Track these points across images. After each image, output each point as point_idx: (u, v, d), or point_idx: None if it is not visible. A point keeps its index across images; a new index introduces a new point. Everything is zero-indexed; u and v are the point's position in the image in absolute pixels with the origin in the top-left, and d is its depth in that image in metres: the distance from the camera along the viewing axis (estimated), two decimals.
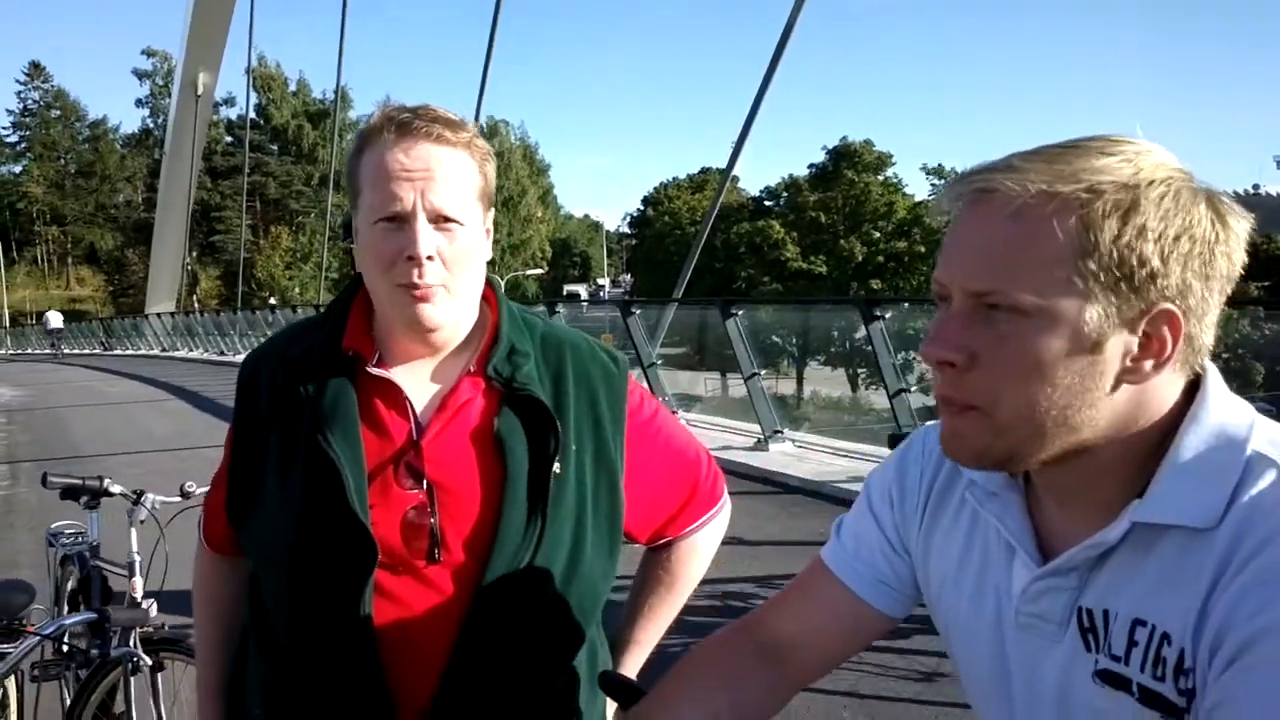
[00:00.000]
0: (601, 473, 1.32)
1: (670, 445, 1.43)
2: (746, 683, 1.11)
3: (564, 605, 1.29)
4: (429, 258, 1.21)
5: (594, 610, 1.36)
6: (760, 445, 9.29)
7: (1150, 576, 0.81)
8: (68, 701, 3.13)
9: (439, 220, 1.22)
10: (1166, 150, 0.81)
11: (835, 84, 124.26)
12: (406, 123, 1.22)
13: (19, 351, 47.26)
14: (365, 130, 1.26)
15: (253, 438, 1.34)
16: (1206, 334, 0.82)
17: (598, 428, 1.33)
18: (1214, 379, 0.84)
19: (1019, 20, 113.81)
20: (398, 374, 1.29)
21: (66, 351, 38.04)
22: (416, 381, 1.30)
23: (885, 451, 8.78)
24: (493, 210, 1.32)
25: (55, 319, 38.86)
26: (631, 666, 1.48)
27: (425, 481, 1.25)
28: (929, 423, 1.08)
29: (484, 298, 1.36)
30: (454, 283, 1.24)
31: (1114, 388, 0.80)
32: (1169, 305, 0.78)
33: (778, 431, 9.39)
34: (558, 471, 1.26)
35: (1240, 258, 0.81)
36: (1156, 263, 0.77)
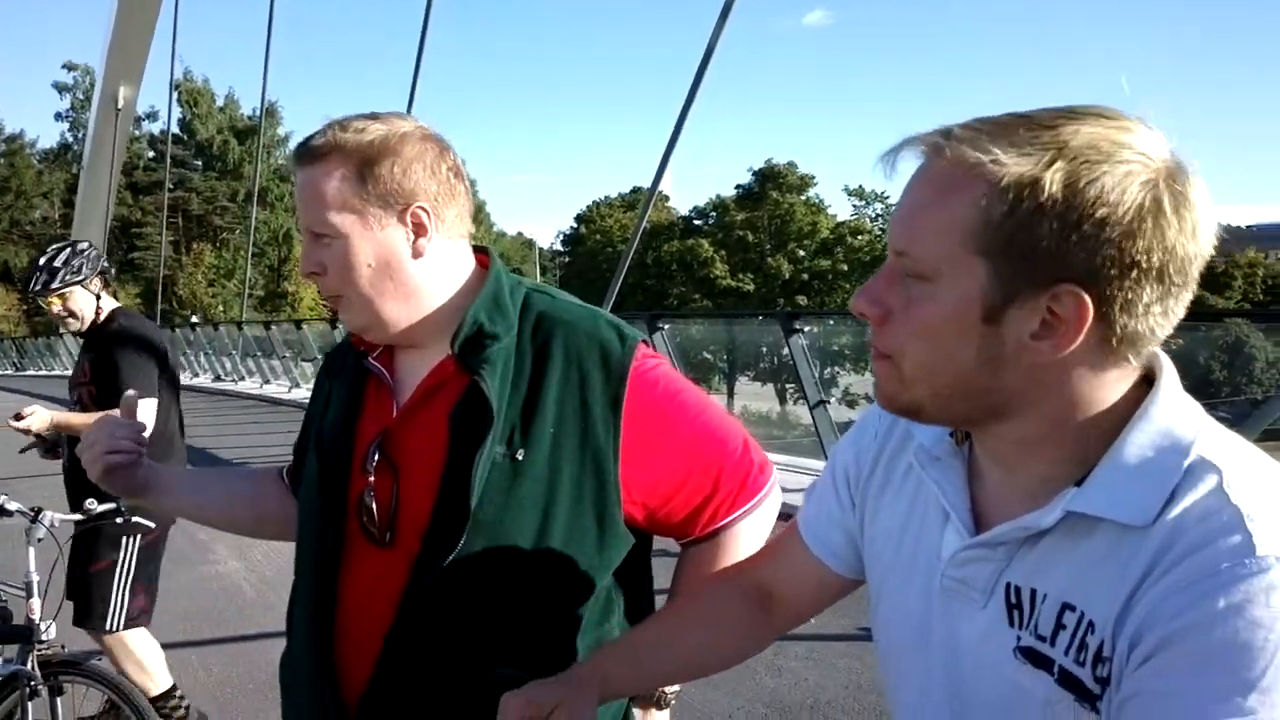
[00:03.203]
0: (585, 457, 1.27)
1: (687, 428, 1.32)
2: (736, 623, 1.19)
3: (527, 594, 1.26)
4: (312, 273, 1.30)
5: (570, 598, 1.29)
6: None
7: (1081, 564, 0.81)
8: None
9: (314, 238, 1.30)
10: (1130, 127, 0.78)
11: (762, 107, 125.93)
12: (295, 151, 1.32)
13: None
14: None
15: (310, 419, 1.49)
16: (1140, 325, 0.79)
17: (585, 410, 1.27)
18: (1168, 379, 0.84)
19: (945, 40, 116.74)
20: (399, 361, 1.37)
21: None
22: (407, 368, 1.36)
23: (808, 462, 8.90)
24: (418, 206, 1.29)
25: None
26: None
27: (378, 465, 1.30)
28: None
29: (483, 269, 1.39)
30: (353, 290, 1.29)
31: (1017, 363, 0.81)
32: (1073, 287, 0.77)
33: None
34: (520, 457, 1.24)
35: (1194, 250, 0.78)
36: (1055, 243, 0.76)
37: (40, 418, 3.47)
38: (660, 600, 1.45)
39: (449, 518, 1.23)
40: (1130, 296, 0.77)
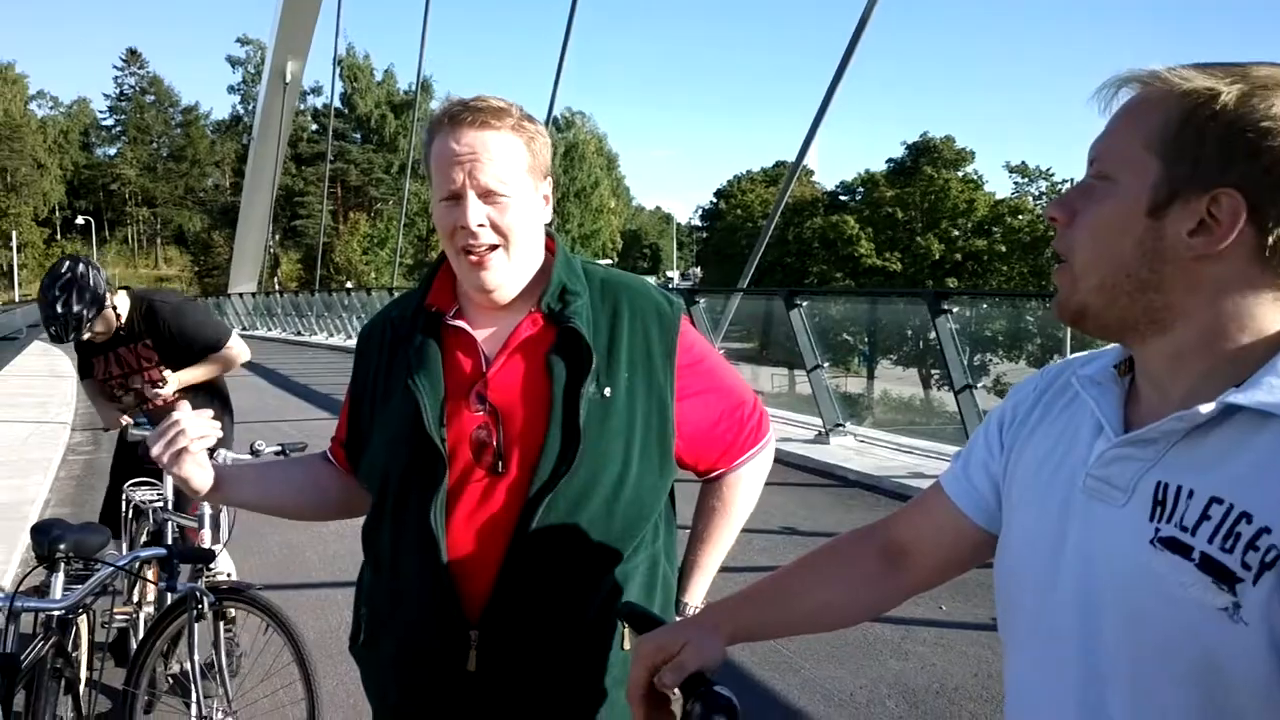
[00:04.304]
0: (652, 398, 1.50)
1: (719, 383, 1.60)
2: (865, 579, 1.23)
3: (612, 513, 1.46)
4: (480, 226, 1.44)
5: (643, 519, 1.51)
6: (821, 438, 9.26)
7: (1243, 463, 0.85)
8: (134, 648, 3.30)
9: (486, 195, 1.44)
10: None
11: (920, 78, 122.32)
12: (456, 114, 1.45)
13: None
14: (431, 123, 1.49)
15: (364, 386, 1.61)
16: None
17: (649, 358, 1.51)
18: None
19: (1110, 12, 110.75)
20: (474, 320, 1.52)
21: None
22: (489, 325, 1.52)
23: (952, 449, 8.69)
24: (548, 180, 1.53)
25: None
26: (697, 586, 1.65)
27: (489, 405, 1.46)
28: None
29: (548, 249, 1.58)
30: (510, 247, 1.47)
31: (1174, 259, 0.89)
32: (1231, 191, 0.85)
33: (839, 425, 9.35)
34: (608, 394, 1.45)
35: None
36: (1221, 150, 0.85)
37: (173, 381, 3.73)
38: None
39: (562, 445, 1.42)
40: None
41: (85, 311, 3.58)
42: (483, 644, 1.44)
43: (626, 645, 1.49)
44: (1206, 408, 0.86)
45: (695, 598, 1.64)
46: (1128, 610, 0.90)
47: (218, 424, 1.55)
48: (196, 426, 1.50)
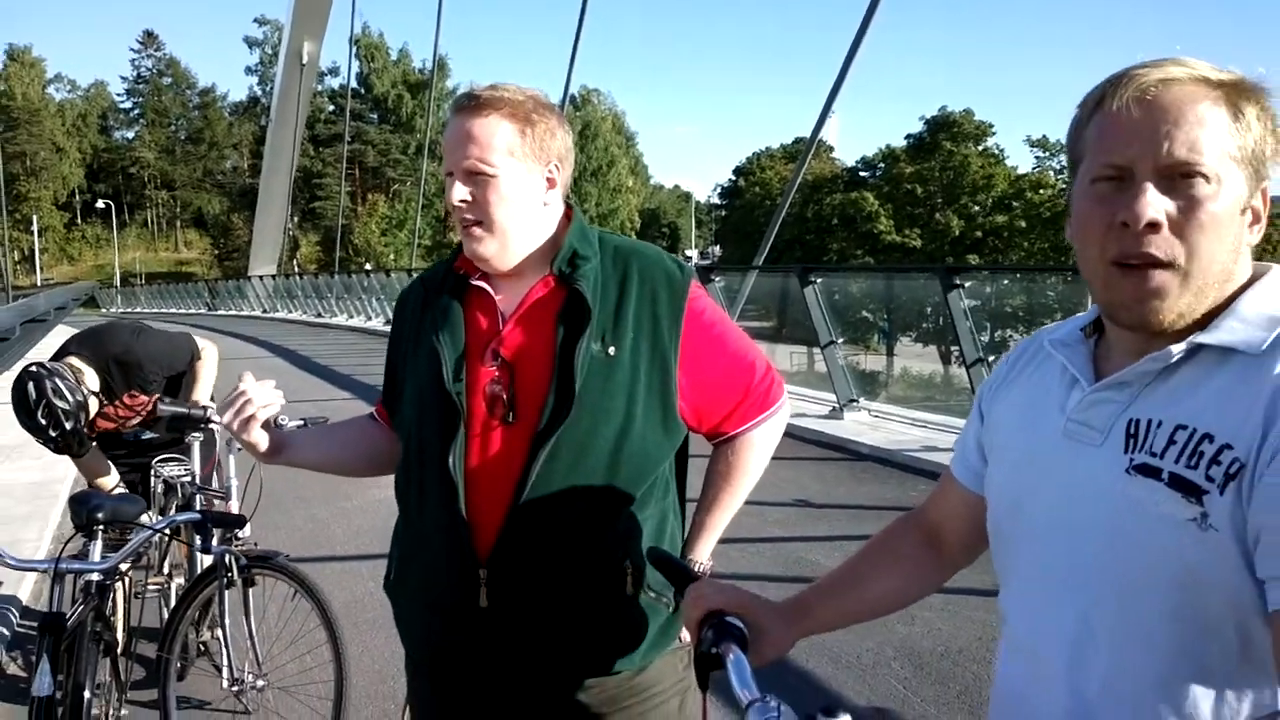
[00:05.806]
0: (655, 357, 1.59)
1: (726, 348, 1.66)
2: (914, 563, 1.35)
3: (616, 463, 1.56)
4: (462, 202, 1.58)
5: (647, 472, 1.61)
6: (835, 414, 9.33)
7: (1206, 393, 0.98)
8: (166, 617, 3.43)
9: (469, 175, 1.58)
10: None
11: (941, 54, 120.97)
12: (457, 102, 1.61)
13: (128, 310, 49.52)
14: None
15: (399, 346, 1.75)
16: None
17: (655, 321, 1.60)
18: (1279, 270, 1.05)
19: None
20: (495, 284, 1.64)
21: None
22: (507, 287, 1.65)
23: (961, 422, 8.71)
24: (554, 165, 1.63)
25: None
26: (702, 545, 1.74)
27: (502, 360, 1.58)
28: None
29: (568, 218, 1.69)
30: (493, 222, 1.59)
31: (1244, 248, 1.01)
32: (1267, 184, 1.00)
33: (853, 400, 9.41)
34: (612, 353, 1.56)
35: None
36: (1270, 151, 0.99)
37: (209, 406, 3.67)
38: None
39: (559, 396, 1.53)
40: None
41: (78, 422, 3.44)
42: (491, 582, 1.55)
43: (631, 589, 1.59)
44: (1178, 348, 0.99)
45: (701, 555, 1.73)
46: (1109, 535, 1.01)
47: (280, 393, 1.70)
48: (262, 395, 1.67)
